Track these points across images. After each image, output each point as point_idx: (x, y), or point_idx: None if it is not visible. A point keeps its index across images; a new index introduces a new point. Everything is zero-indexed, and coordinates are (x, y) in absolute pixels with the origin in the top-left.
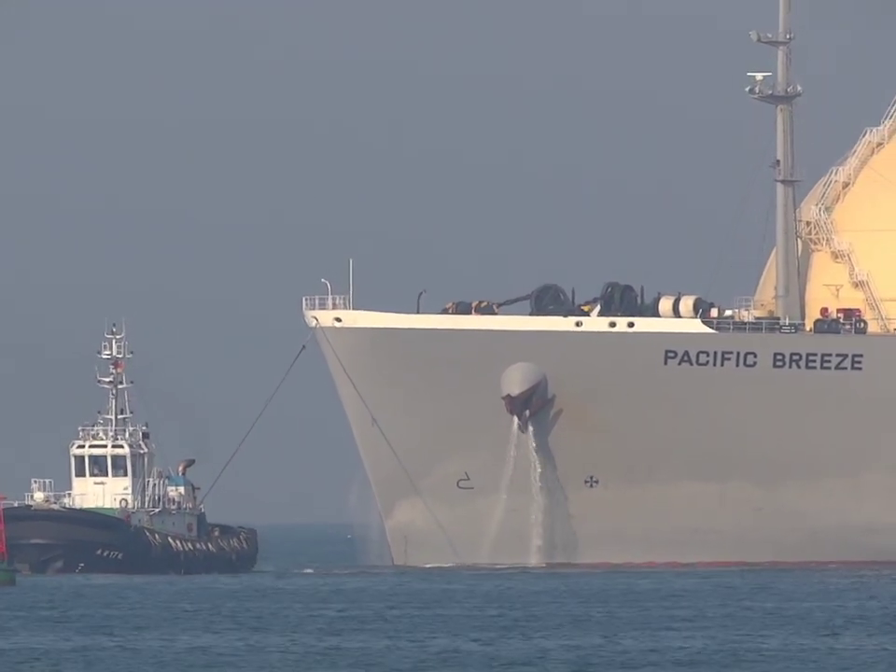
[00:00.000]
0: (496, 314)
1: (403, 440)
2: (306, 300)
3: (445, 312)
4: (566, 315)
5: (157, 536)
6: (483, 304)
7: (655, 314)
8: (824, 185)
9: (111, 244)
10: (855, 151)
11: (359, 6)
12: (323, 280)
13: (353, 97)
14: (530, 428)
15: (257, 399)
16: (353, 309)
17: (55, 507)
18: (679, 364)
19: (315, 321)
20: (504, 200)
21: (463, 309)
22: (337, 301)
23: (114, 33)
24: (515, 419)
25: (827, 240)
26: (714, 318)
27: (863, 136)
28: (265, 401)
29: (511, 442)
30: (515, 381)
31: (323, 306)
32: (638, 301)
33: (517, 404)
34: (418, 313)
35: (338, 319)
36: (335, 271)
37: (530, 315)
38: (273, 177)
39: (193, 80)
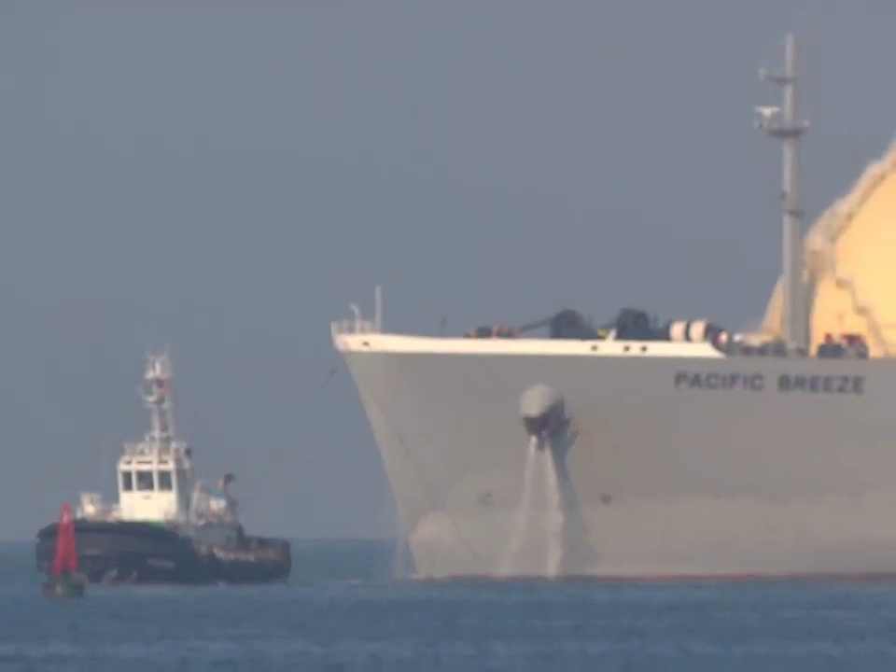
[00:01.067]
0: (515, 338)
1: (428, 458)
2: (336, 325)
3: (468, 336)
4: (582, 340)
5: (203, 547)
6: (503, 329)
7: (667, 338)
8: (830, 216)
9: (153, 271)
10: (859, 184)
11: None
12: (352, 306)
13: (379, 134)
14: (548, 447)
15: (290, 419)
16: (380, 334)
17: (108, 520)
18: (690, 387)
19: (345, 345)
20: (524, 230)
21: (484, 334)
22: (365, 327)
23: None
24: (534, 438)
25: (832, 268)
26: (723, 343)
27: (867, 169)
28: (295, 422)
29: (530, 461)
30: (534, 402)
31: (352, 331)
32: (651, 326)
33: (536, 424)
34: (442, 338)
35: (366, 343)
36: (364, 298)
37: (549, 339)
38: (307, 214)
39: (217, 109)
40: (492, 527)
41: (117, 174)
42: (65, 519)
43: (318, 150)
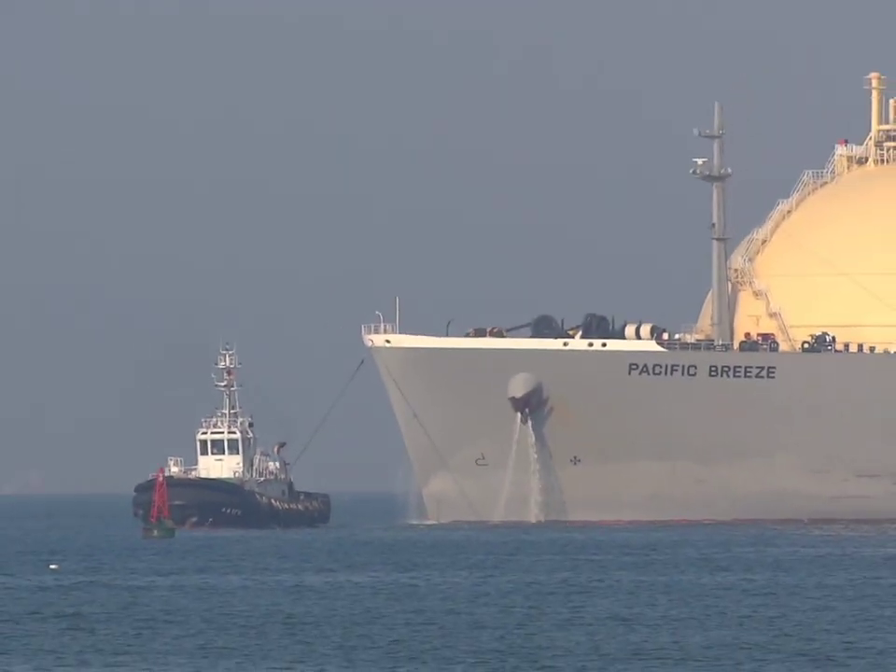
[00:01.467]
0: (504, 336)
1: (436, 430)
2: (364, 327)
3: (467, 335)
4: (556, 338)
5: (263, 498)
6: (495, 330)
7: (622, 336)
8: (748, 241)
9: (228, 287)
10: (771, 217)
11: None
12: (377, 312)
13: (396, 179)
14: (529, 421)
15: (328, 399)
16: (399, 333)
17: (190, 477)
18: (640, 374)
19: (371, 342)
20: (512, 254)
21: (480, 333)
22: (387, 328)
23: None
24: (519, 414)
25: (750, 282)
26: (666, 340)
27: (777, 206)
28: (333, 401)
29: (516, 431)
30: (518, 386)
31: (377, 331)
32: (610, 327)
33: (520, 403)
34: (447, 336)
35: (388, 341)
36: (386, 306)
37: (530, 337)
38: (346, 244)
39: (239, 140)
40: (486, 484)
41: (202, 213)
42: (160, 477)
43: (351, 192)
